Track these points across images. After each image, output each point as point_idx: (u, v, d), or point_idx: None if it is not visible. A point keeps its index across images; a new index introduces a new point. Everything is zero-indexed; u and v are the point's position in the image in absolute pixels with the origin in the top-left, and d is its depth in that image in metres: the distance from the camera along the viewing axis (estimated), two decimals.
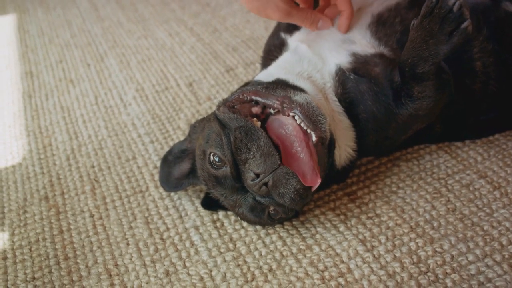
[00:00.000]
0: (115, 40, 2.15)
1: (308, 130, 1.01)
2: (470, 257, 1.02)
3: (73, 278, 1.10)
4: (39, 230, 1.22)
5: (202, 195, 1.24)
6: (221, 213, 1.20)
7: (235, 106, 1.07)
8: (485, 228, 1.08)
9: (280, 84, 1.12)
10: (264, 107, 1.07)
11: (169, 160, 1.26)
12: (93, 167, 1.42)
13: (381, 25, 1.20)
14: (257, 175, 0.99)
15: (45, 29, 2.33)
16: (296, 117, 1.02)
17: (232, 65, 1.83)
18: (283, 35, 1.29)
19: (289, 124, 1.02)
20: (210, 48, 1.98)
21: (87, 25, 2.34)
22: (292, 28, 1.28)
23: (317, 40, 1.21)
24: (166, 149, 1.42)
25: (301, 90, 1.11)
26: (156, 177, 1.34)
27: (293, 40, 1.25)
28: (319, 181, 0.99)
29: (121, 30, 2.24)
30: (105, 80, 1.85)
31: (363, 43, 1.19)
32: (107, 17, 2.40)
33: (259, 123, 1.02)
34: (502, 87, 1.23)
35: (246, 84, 1.24)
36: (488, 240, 1.05)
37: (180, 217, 1.21)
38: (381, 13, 1.21)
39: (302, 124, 1.01)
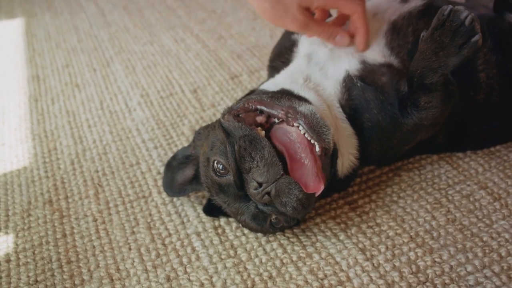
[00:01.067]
0: (121, 45, 2.17)
1: (312, 141, 1.02)
2: (469, 268, 1.02)
3: (75, 282, 1.11)
4: (43, 233, 1.24)
5: (204, 202, 1.25)
6: (222, 220, 1.21)
7: (240, 115, 1.09)
8: (484, 239, 1.08)
9: (285, 94, 1.13)
10: (269, 116, 1.08)
11: (173, 166, 1.27)
12: (97, 171, 1.43)
13: (395, 34, 1.21)
14: (260, 184, 1.00)
15: (53, 34, 2.36)
16: (300, 128, 1.03)
17: (237, 72, 1.84)
18: (295, 36, 1.30)
19: (293, 132, 1.03)
20: (215, 55, 1.99)
21: (94, 30, 2.36)
22: None
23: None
24: (170, 155, 1.43)
25: (305, 100, 1.12)
26: (159, 182, 1.35)
27: (306, 42, 1.26)
28: (322, 187, 1.00)
29: (128, 35, 2.26)
30: (111, 85, 1.86)
31: (376, 50, 1.20)
32: (114, 22, 2.42)
33: (263, 132, 1.04)
34: (505, 98, 1.24)
35: (251, 92, 1.26)
36: (487, 251, 1.06)
37: (182, 223, 1.22)
38: (396, 21, 1.23)
39: (306, 135, 1.02)
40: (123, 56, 2.07)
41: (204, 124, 1.55)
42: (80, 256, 1.17)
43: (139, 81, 1.87)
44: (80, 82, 1.90)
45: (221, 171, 1.06)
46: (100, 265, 1.14)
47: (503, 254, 1.04)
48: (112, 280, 1.10)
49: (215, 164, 1.06)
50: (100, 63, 2.04)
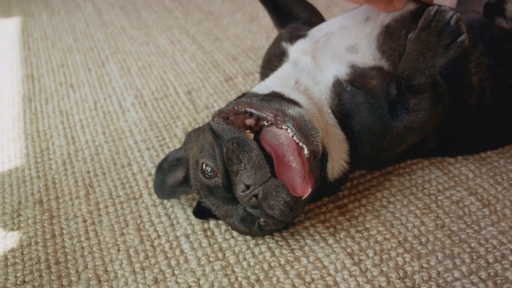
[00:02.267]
0: (117, 46, 2.17)
1: (300, 143, 1.02)
2: (456, 274, 1.02)
3: (63, 283, 1.11)
4: (32, 233, 1.24)
5: (194, 204, 1.25)
6: (212, 222, 1.21)
7: (229, 117, 1.09)
8: (472, 245, 1.08)
9: (275, 97, 1.13)
10: (258, 119, 1.08)
11: (164, 168, 1.27)
12: (89, 172, 1.43)
13: (388, 37, 1.21)
14: (248, 187, 1.00)
15: (49, 33, 2.36)
16: (289, 130, 1.03)
17: (232, 75, 1.84)
18: (284, 44, 1.30)
19: (281, 134, 1.03)
20: (210, 56, 2.00)
21: (91, 30, 2.36)
22: (294, 38, 1.29)
23: (321, 50, 1.22)
24: (162, 156, 1.43)
25: (295, 103, 1.12)
26: (150, 184, 1.35)
27: (294, 51, 1.26)
28: (309, 190, 1.00)
29: (124, 36, 2.26)
30: (105, 86, 1.86)
31: (366, 54, 1.20)
32: (110, 22, 2.42)
33: (252, 135, 1.04)
34: (497, 101, 1.24)
35: (242, 95, 1.26)
36: (474, 257, 1.06)
37: (172, 225, 1.22)
38: (389, 24, 1.23)
39: (294, 137, 1.02)
40: (118, 57, 2.07)
41: (197, 126, 1.55)
42: (69, 257, 1.17)
43: (134, 82, 1.87)
44: (75, 82, 1.90)
45: (210, 174, 1.06)
46: (88, 266, 1.14)
47: (491, 260, 1.04)
48: (99, 281, 1.10)
49: (204, 167, 1.07)
50: (96, 63, 2.04)
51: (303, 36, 1.29)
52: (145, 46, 2.14)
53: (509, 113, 1.27)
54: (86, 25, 2.41)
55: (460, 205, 1.19)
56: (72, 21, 2.47)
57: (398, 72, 1.09)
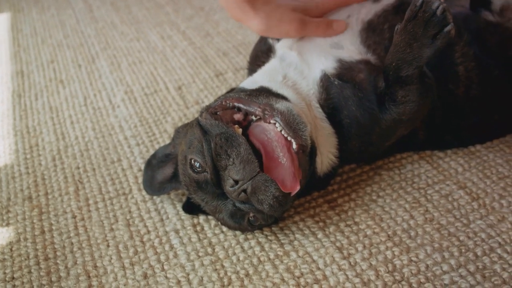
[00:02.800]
0: (108, 41, 2.16)
1: (289, 138, 1.02)
2: (445, 267, 1.03)
3: (52, 279, 1.10)
4: (21, 230, 1.23)
5: (184, 199, 1.25)
6: (201, 217, 1.21)
7: (218, 113, 1.09)
8: (461, 238, 1.09)
9: (263, 92, 1.13)
10: (246, 114, 1.08)
11: (152, 164, 1.27)
12: (78, 168, 1.42)
13: (371, 32, 1.21)
14: (236, 182, 1.00)
15: (39, 29, 2.34)
16: (277, 125, 1.03)
17: (222, 70, 1.84)
18: (270, 41, 1.30)
19: (270, 130, 1.03)
20: (201, 52, 1.99)
21: (81, 26, 2.35)
22: None
23: (306, 46, 1.22)
24: (152, 152, 1.43)
25: (283, 98, 1.12)
26: (140, 179, 1.35)
27: (281, 46, 1.26)
28: (298, 187, 1.00)
29: (114, 31, 2.25)
30: (95, 82, 1.85)
31: (351, 49, 1.20)
32: (101, 18, 2.41)
33: (240, 130, 1.04)
34: (485, 92, 1.24)
35: (231, 90, 1.26)
36: (463, 250, 1.06)
37: (161, 220, 1.22)
38: (371, 20, 1.23)
39: (282, 132, 1.02)
40: (108, 53, 2.06)
41: (187, 122, 1.55)
42: (58, 253, 1.16)
43: (124, 77, 1.86)
44: (65, 78, 1.89)
45: (198, 169, 1.06)
46: (78, 262, 1.14)
47: (479, 253, 1.05)
48: (89, 277, 1.10)
49: (192, 162, 1.06)
50: (86, 59, 2.03)
51: None
52: (136, 42, 2.14)
53: (497, 104, 1.27)
54: (77, 21, 2.40)
55: (449, 199, 1.19)
56: (63, 17, 2.46)
57: (386, 63, 1.09)
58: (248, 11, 1.14)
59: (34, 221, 1.26)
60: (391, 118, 1.14)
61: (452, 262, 1.04)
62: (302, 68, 1.20)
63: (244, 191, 1.00)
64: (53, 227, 1.23)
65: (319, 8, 1.24)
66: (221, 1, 1.17)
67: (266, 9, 1.15)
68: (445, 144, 1.32)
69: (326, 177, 1.21)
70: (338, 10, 1.28)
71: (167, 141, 1.47)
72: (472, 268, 1.02)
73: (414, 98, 1.11)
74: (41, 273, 1.12)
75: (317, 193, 1.25)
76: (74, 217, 1.26)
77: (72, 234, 1.21)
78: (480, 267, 1.02)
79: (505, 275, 1.00)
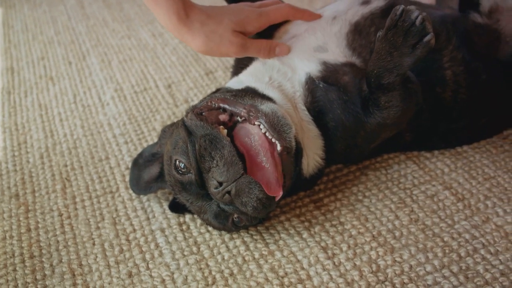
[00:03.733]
0: (99, 39, 2.16)
1: (273, 139, 1.02)
2: (428, 268, 1.03)
3: (37, 277, 1.10)
4: (7, 227, 1.23)
5: (170, 198, 1.25)
6: (187, 216, 1.21)
7: (203, 113, 1.08)
8: (445, 239, 1.09)
9: (249, 92, 1.13)
10: (232, 114, 1.08)
11: (139, 163, 1.27)
12: (66, 166, 1.42)
13: (357, 34, 1.21)
14: (220, 184, 1.00)
15: (30, 25, 2.34)
16: (262, 126, 1.03)
17: (212, 68, 1.84)
18: None
19: (255, 134, 1.03)
20: (191, 50, 1.99)
21: (72, 22, 2.34)
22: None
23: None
24: (140, 150, 1.43)
25: (269, 99, 1.12)
26: (127, 178, 1.35)
27: None
28: (280, 193, 1.00)
29: (106, 29, 2.25)
30: (85, 79, 1.85)
31: (336, 52, 1.20)
32: (92, 15, 2.40)
33: (225, 131, 1.03)
34: (472, 95, 1.24)
35: (217, 90, 1.25)
36: (447, 251, 1.07)
37: (148, 219, 1.22)
38: (358, 22, 1.23)
39: (267, 133, 1.02)
40: (99, 50, 2.06)
41: (175, 120, 1.55)
42: (43, 251, 1.16)
43: (114, 75, 1.86)
44: (55, 75, 1.89)
45: (183, 170, 1.06)
46: (63, 260, 1.14)
47: (463, 254, 1.05)
48: (74, 275, 1.10)
49: (177, 163, 1.06)
50: (76, 56, 2.02)
51: (269, 37, 1.29)
52: (127, 39, 2.13)
53: (485, 108, 1.28)
54: (68, 18, 2.39)
55: (435, 199, 1.19)
56: (54, 14, 2.45)
57: (368, 70, 1.09)
58: (185, 33, 1.12)
59: (21, 218, 1.25)
60: (375, 122, 1.14)
61: (436, 262, 1.04)
62: (284, 70, 1.20)
63: (228, 192, 1.00)
64: (39, 225, 1.23)
65: (262, 20, 1.22)
66: (161, 22, 1.14)
67: (204, 30, 1.12)
68: (432, 145, 1.33)
69: (312, 178, 1.21)
70: (323, 12, 1.28)
71: (156, 140, 1.47)
72: (455, 269, 1.03)
73: (397, 103, 1.10)
74: (26, 271, 1.12)
75: (303, 193, 1.25)
76: (60, 215, 1.26)
77: (58, 232, 1.21)
78: (464, 268, 1.03)
79: (488, 276, 1.00)
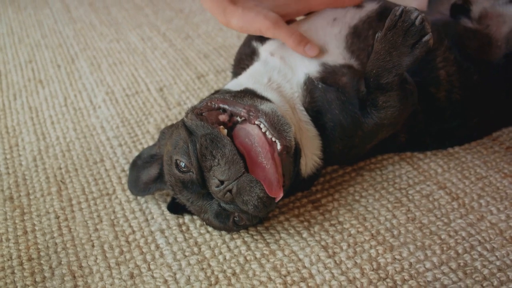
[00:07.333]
0: (87, 42, 2.15)
1: (273, 139, 1.03)
2: (427, 265, 1.05)
3: (36, 279, 1.09)
4: (3, 230, 1.22)
5: (168, 199, 1.25)
6: (187, 217, 1.21)
7: (203, 114, 1.09)
8: (442, 237, 1.11)
9: (248, 94, 1.14)
10: (231, 115, 1.09)
11: (138, 165, 1.26)
12: (60, 168, 1.41)
13: (356, 37, 1.23)
14: (222, 182, 1.01)
15: (15, 29, 2.31)
16: (262, 126, 1.04)
17: (203, 72, 1.85)
18: (254, 44, 1.31)
19: (255, 135, 1.04)
20: (182, 54, 1.99)
21: (59, 26, 2.32)
22: (264, 37, 1.30)
23: (289, 50, 1.24)
24: (135, 152, 1.43)
25: (267, 100, 1.13)
26: (124, 180, 1.34)
27: (264, 50, 1.28)
28: (281, 194, 1.02)
29: (94, 32, 2.24)
30: (75, 82, 1.84)
31: (336, 53, 1.22)
32: (79, 19, 2.39)
33: (225, 131, 1.04)
34: (466, 96, 1.28)
35: (216, 92, 1.26)
36: (445, 248, 1.09)
37: (146, 220, 1.22)
38: (357, 25, 1.25)
39: (267, 133, 1.03)
40: (88, 53, 2.05)
41: (169, 123, 1.55)
42: (42, 253, 1.15)
43: (105, 78, 1.85)
44: (44, 78, 1.87)
45: (184, 169, 1.07)
46: (62, 262, 1.13)
47: (460, 251, 1.08)
48: (74, 277, 1.09)
49: (178, 163, 1.07)
50: (65, 59, 2.01)
51: None
52: (115, 43, 2.12)
53: (477, 108, 1.31)
54: (55, 21, 2.38)
55: (430, 198, 1.22)
56: (40, 17, 2.43)
57: (367, 70, 1.12)
58: (227, 5, 1.19)
59: (16, 221, 1.24)
60: (373, 122, 1.16)
61: (435, 259, 1.06)
62: (285, 71, 1.21)
63: (229, 191, 1.01)
64: (36, 228, 1.22)
65: (301, 3, 1.26)
66: (206, 4, 1.20)
67: (245, 5, 1.20)
68: (425, 145, 1.36)
69: (310, 178, 1.23)
70: (324, 12, 1.29)
71: (150, 142, 1.47)
72: (453, 265, 1.05)
73: (395, 104, 1.13)
74: (25, 274, 1.10)
75: (301, 193, 1.26)
76: (57, 217, 1.25)
77: (55, 235, 1.20)
78: (462, 264, 1.05)
79: (486, 271, 1.03)
